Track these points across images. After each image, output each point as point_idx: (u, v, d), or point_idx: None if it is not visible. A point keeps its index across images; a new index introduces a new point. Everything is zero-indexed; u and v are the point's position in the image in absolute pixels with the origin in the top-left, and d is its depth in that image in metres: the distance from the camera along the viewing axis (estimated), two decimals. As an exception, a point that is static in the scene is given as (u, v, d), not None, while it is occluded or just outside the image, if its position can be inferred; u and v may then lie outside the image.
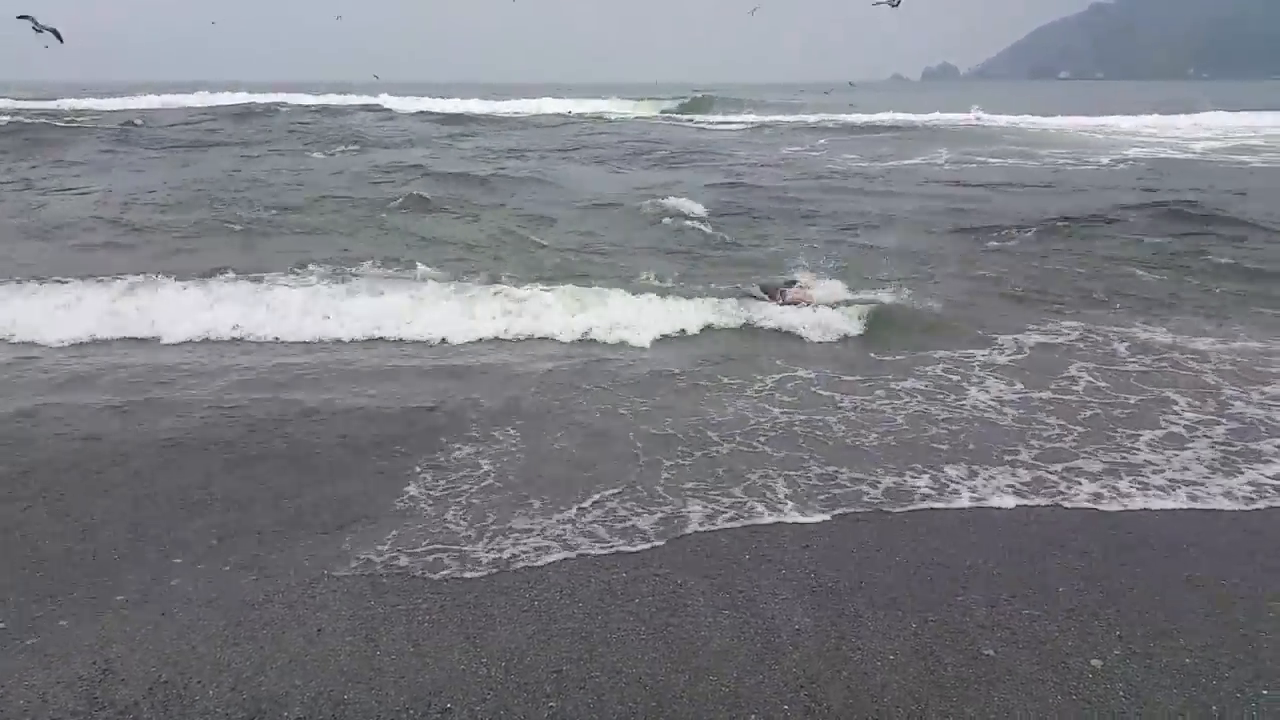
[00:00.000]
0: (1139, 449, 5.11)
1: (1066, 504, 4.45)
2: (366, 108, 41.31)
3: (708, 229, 12.23)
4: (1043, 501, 4.47)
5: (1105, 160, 22.13)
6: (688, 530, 4.15)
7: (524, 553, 3.94)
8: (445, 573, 3.77)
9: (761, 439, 5.20)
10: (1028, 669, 3.18)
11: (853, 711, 2.99)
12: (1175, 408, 5.69)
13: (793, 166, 21.34)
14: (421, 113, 40.02)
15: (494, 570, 3.80)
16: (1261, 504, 4.48)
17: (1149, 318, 7.88)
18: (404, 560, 3.87)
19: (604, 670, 3.18)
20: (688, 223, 12.59)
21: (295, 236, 11.55)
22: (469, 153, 23.25)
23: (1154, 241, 11.34)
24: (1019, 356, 6.75)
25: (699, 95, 57.45)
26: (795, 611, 3.52)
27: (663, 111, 51.12)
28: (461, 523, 4.20)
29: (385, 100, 46.61)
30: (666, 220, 12.73)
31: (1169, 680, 3.12)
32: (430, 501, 4.41)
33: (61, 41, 17.54)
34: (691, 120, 43.29)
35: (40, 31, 17.17)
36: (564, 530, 4.14)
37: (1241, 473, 4.81)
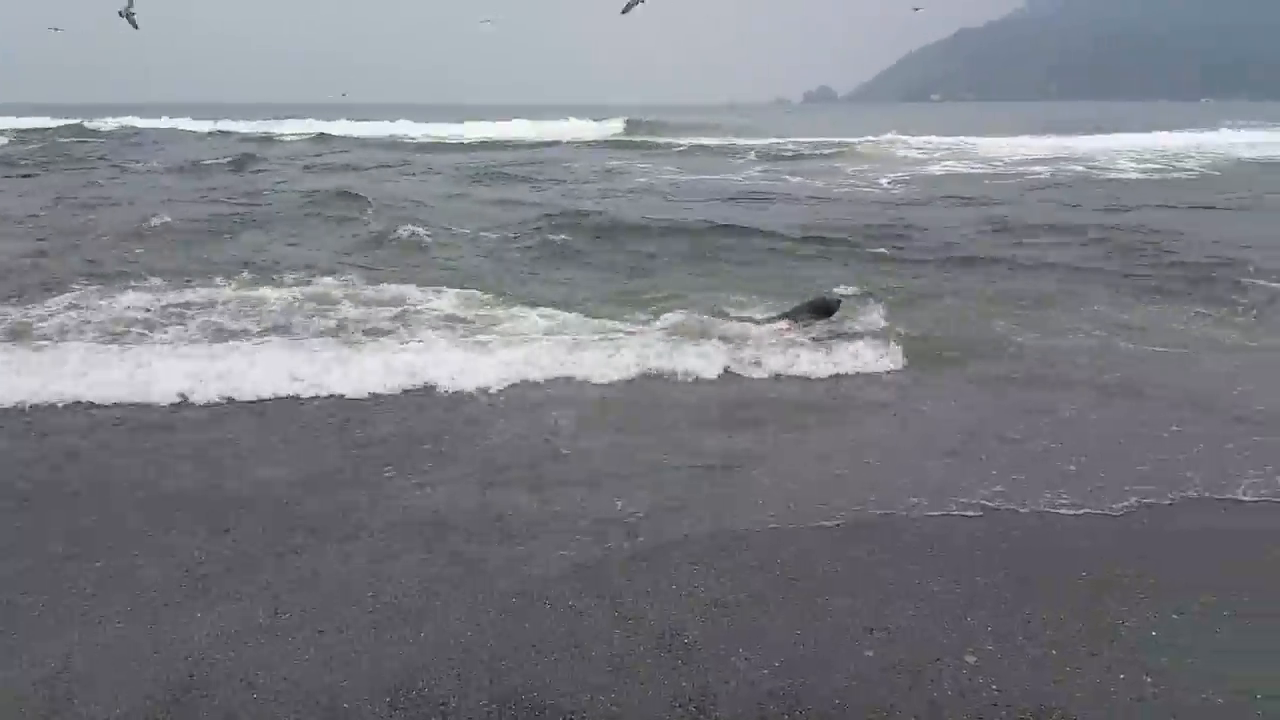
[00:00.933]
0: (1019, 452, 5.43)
1: (945, 510, 4.68)
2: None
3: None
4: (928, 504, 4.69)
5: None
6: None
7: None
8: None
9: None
10: (908, 667, 3.32)
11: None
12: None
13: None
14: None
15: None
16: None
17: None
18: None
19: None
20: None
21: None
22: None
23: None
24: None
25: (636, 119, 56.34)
26: (686, 624, 3.59)
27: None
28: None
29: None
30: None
31: (1034, 670, 3.30)
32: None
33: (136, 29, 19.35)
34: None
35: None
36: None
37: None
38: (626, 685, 3.23)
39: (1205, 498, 4.76)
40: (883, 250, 12.47)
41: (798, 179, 24.65)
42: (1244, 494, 4.79)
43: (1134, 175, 25.54)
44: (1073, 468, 5.14)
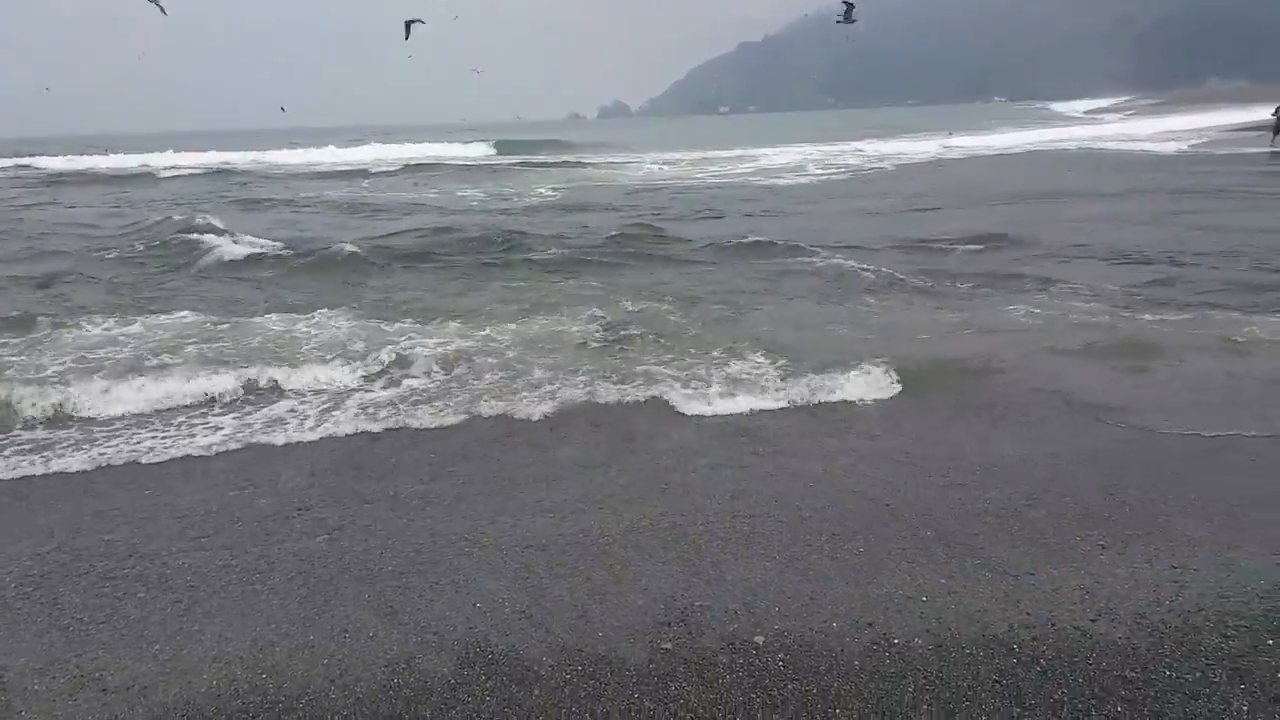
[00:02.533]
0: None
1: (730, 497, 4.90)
2: None
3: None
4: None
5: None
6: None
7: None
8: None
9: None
10: (707, 658, 3.43)
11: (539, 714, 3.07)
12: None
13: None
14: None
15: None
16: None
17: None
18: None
19: None
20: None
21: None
22: None
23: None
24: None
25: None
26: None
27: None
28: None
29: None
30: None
31: (820, 650, 3.50)
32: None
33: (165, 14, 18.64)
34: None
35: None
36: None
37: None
38: (422, 715, 3.17)
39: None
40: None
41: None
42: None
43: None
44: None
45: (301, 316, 9.32)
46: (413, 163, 41.83)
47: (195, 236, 15.29)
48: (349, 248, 13.65)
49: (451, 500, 4.98)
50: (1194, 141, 39.39)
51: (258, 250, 14.02)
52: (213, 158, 50.70)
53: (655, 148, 52.62)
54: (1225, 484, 4.88)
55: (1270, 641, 3.41)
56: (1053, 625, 3.54)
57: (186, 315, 9.37)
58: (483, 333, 8.52)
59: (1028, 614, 3.63)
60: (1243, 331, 7.87)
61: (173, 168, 43.46)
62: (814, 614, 3.70)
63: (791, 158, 38.37)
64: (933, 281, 10.72)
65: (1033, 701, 3.10)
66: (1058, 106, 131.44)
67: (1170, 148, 36.52)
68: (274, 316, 9.36)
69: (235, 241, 14.60)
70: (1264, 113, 35.24)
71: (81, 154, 53.60)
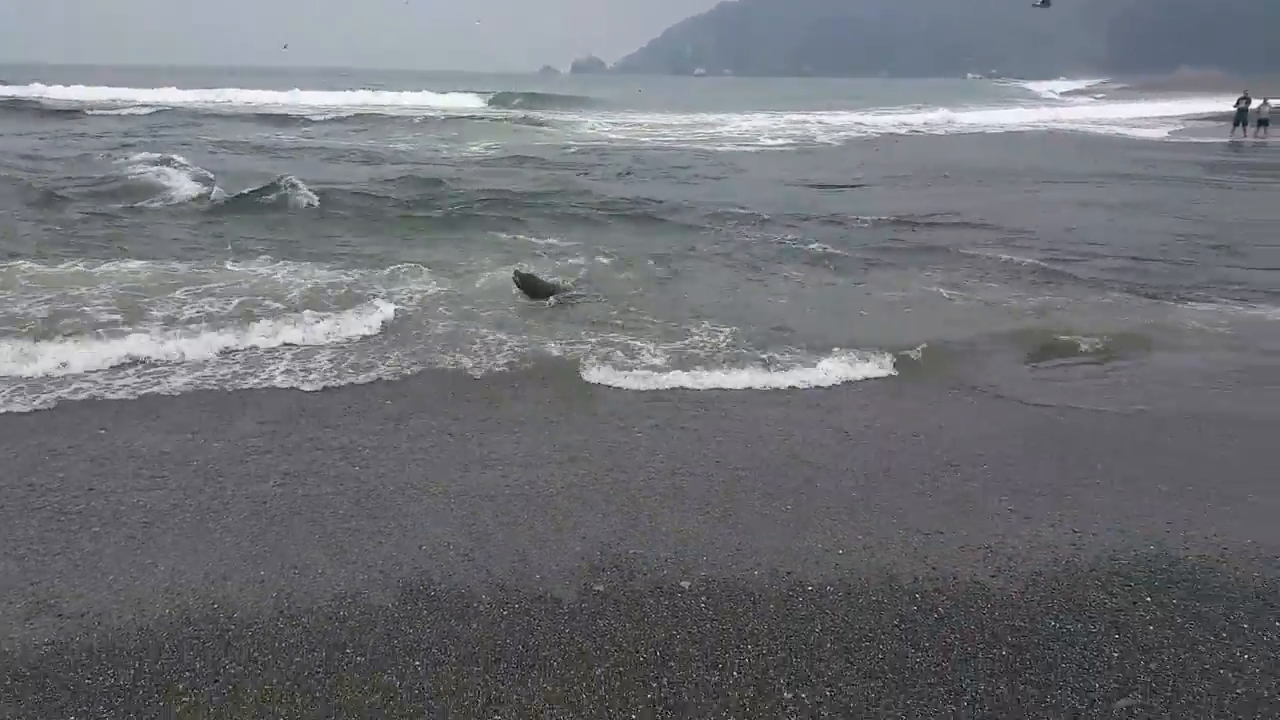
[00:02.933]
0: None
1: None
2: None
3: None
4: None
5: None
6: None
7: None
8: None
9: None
10: (635, 599, 3.71)
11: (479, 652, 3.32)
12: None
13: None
14: None
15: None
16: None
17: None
18: None
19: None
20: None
21: None
22: None
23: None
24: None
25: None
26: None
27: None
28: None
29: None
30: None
31: (740, 594, 3.79)
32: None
33: None
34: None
35: None
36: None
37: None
38: (366, 644, 3.41)
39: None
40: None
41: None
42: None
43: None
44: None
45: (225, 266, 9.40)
46: (365, 111, 41.68)
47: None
48: (302, 197, 13.70)
49: (403, 451, 5.19)
50: (1175, 129, 40.08)
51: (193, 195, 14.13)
52: (171, 95, 49.69)
53: (619, 108, 52.40)
54: (1129, 458, 5.24)
55: (1148, 598, 3.76)
56: (954, 579, 3.87)
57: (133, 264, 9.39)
58: (436, 287, 8.68)
59: (933, 568, 3.96)
60: (1166, 318, 8.30)
61: (124, 103, 42.52)
62: (738, 563, 3.99)
63: (750, 126, 38.22)
64: (850, 255, 11.05)
65: (926, 644, 3.41)
66: (1031, 85, 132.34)
67: (1155, 134, 37.15)
68: (230, 265, 9.42)
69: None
70: (1230, 103, 36.05)
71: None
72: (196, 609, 3.58)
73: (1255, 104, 34.23)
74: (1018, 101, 75.15)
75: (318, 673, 3.22)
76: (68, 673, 3.21)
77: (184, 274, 8.94)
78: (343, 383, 6.32)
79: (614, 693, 3.13)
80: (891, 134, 36.66)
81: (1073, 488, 4.82)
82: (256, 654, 3.31)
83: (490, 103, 54.89)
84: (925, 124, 42.75)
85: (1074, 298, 9.07)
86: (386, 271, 9.24)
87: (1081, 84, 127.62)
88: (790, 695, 3.12)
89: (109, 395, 5.99)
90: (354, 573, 3.87)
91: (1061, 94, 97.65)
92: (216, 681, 3.16)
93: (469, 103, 54.80)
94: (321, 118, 37.48)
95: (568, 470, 4.95)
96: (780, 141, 31.38)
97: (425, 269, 9.42)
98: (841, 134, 35.32)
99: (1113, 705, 3.11)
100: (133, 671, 3.21)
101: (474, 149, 26.05)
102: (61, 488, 4.62)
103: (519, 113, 45.47)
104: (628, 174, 20.23)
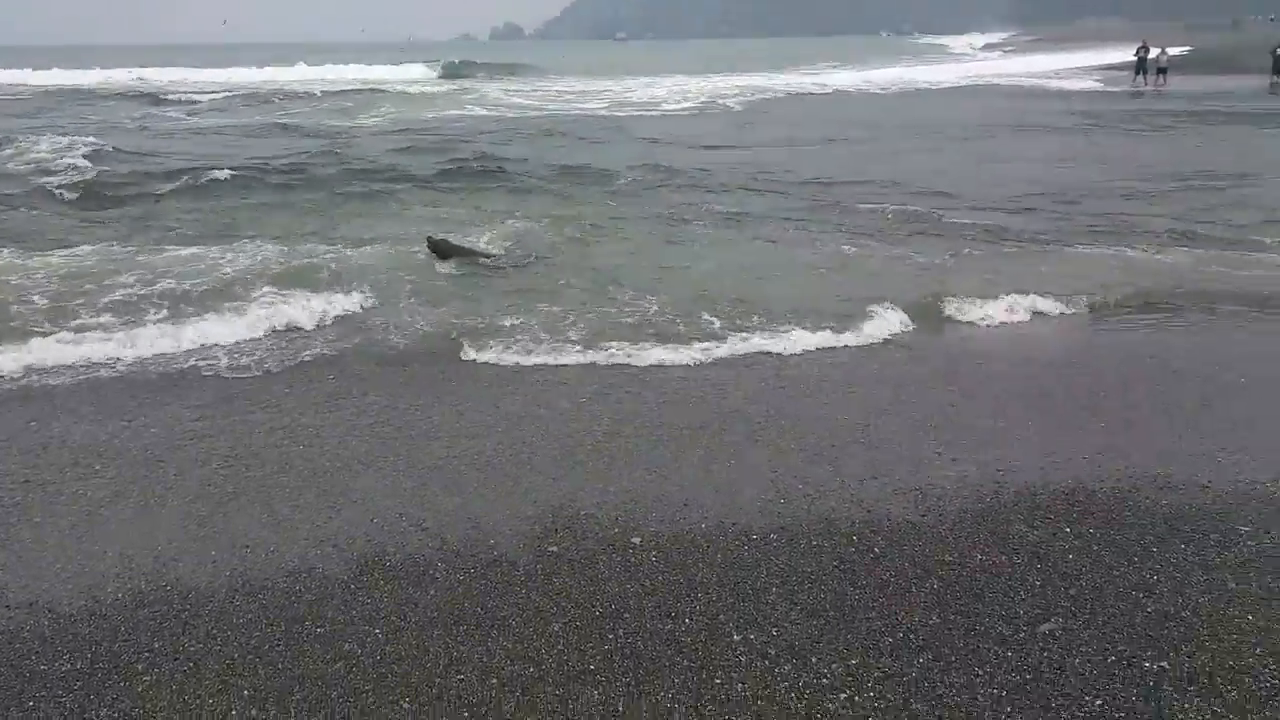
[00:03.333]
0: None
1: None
2: None
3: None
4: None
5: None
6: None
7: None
8: None
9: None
10: (588, 558, 3.84)
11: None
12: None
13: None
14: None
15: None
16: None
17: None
18: None
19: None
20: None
21: None
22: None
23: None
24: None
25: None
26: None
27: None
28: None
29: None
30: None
31: (688, 547, 3.96)
32: None
33: None
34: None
35: None
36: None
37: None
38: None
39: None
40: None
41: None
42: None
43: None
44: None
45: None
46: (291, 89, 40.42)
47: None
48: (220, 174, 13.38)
49: (346, 428, 5.22)
50: (1097, 78, 41.18)
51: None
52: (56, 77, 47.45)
53: (551, 74, 51.98)
54: (1046, 402, 5.56)
55: (1067, 529, 4.04)
56: (888, 520, 4.10)
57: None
58: (360, 262, 8.63)
59: (868, 512, 4.18)
60: (1072, 267, 8.72)
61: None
62: (685, 518, 4.16)
63: (659, 91, 37.73)
64: (761, 217, 11.29)
65: (864, 581, 3.63)
66: (947, 41, 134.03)
67: (1084, 85, 38.11)
68: (146, 253, 9.20)
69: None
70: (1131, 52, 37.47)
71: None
72: (150, 592, 3.60)
73: (1154, 53, 35.59)
74: (943, 58, 76.27)
75: (278, 645, 3.28)
76: (21, 660, 3.22)
77: (94, 263, 8.70)
78: (279, 365, 6.28)
79: (571, 646, 3.27)
80: (841, 92, 36.82)
81: (995, 432, 5.11)
82: (215, 631, 3.36)
83: (441, 76, 53.55)
84: (866, 83, 42.46)
85: (988, 250, 9.43)
86: (305, 249, 9.12)
87: (995, 38, 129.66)
88: (739, 637, 3.30)
89: (35, 386, 5.86)
90: (307, 549, 3.93)
91: (980, 49, 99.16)
92: (176, 659, 3.20)
93: (418, 73, 53.50)
94: (229, 94, 36.25)
95: (514, 438, 5.05)
96: (687, 106, 31.17)
97: (345, 245, 9.35)
98: (765, 95, 35.51)
99: (1036, 629, 3.36)
100: (90, 655, 3.23)
101: (373, 120, 25.50)
102: (-5, 481, 4.55)
103: (447, 85, 44.50)
104: (547, 135, 20.28)
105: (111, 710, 2.97)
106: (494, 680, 3.09)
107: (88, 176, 13.79)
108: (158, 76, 49.36)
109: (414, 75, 52.14)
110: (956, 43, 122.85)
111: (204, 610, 3.49)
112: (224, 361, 6.31)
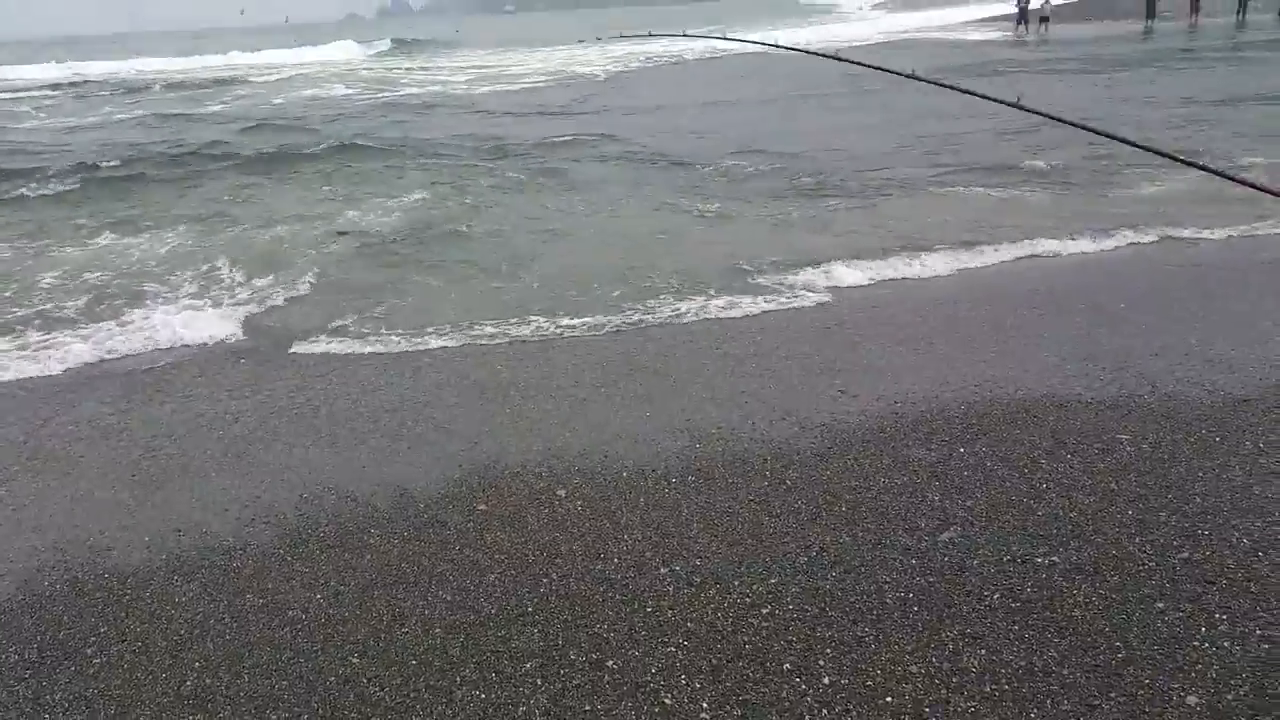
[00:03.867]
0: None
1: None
2: None
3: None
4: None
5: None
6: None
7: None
8: None
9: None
10: (516, 512, 4.04)
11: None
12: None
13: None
14: None
15: None
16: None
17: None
18: None
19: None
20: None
21: None
22: None
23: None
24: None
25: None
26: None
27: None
28: None
29: None
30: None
31: (611, 493, 4.20)
32: None
33: None
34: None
35: None
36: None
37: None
38: (265, 588, 3.61)
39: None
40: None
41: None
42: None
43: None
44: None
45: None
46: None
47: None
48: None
49: (265, 410, 5.28)
50: (1001, 29, 42.45)
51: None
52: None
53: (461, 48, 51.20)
54: (936, 336, 5.97)
55: (961, 450, 4.41)
56: (797, 455, 4.41)
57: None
58: (268, 245, 8.57)
59: (779, 448, 4.48)
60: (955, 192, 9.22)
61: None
62: (607, 468, 4.39)
63: (527, 66, 37.31)
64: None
65: (778, 510, 3.93)
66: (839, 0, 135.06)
67: (992, 35, 39.37)
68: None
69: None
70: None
71: None
72: (88, 580, 3.66)
73: (1036, 3, 37.12)
74: (844, 17, 77.01)
75: (223, 618, 3.40)
76: (-38, 658, 3.26)
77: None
78: (188, 352, 6.26)
79: (508, 593, 3.47)
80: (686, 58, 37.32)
81: (890, 367, 5.48)
82: (159, 611, 3.45)
83: (383, 53, 52.31)
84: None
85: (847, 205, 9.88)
86: (221, 235, 9.01)
87: None
88: (665, 570, 3.56)
89: (-68, 396, 5.73)
90: (239, 527, 4.03)
91: (873, 7, 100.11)
92: (124, 641, 3.29)
93: (351, 54, 52.12)
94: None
95: (434, 406, 5.19)
96: (541, 78, 31.24)
97: (246, 226, 9.26)
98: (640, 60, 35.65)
99: (937, 538, 3.70)
100: (36, 645, 3.30)
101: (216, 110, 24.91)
102: (-96, 491, 4.49)
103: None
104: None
105: (66, 693, 3.06)
106: (438, 629, 3.28)
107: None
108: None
109: (349, 55, 51.01)
110: (849, 3, 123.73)
111: (144, 593, 3.57)
112: (127, 352, 6.25)
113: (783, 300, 6.83)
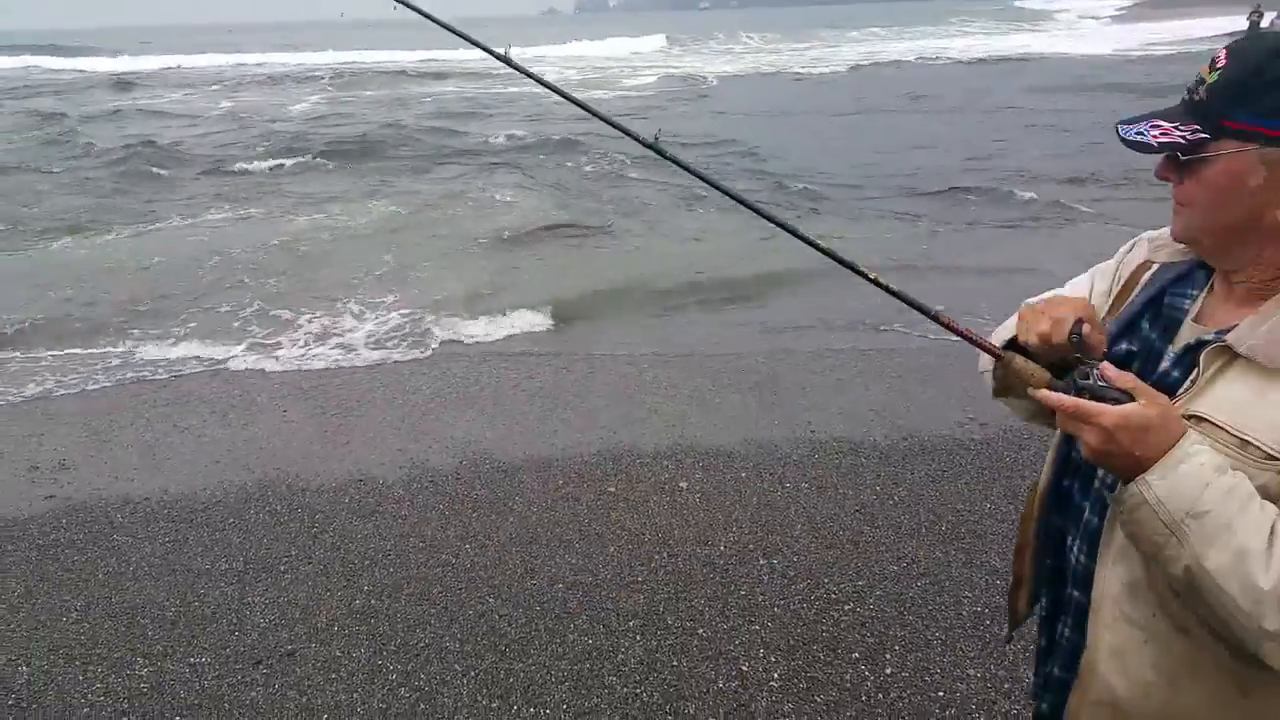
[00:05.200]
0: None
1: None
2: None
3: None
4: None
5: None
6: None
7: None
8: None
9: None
10: (641, 497, 4.63)
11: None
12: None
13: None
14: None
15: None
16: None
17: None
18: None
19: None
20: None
21: None
22: None
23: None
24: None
25: None
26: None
27: None
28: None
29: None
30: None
31: (728, 490, 4.71)
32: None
33: None
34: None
35: None
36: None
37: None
38: (424, 536, 4.38)
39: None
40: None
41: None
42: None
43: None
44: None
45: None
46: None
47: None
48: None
49: (438, 388, 6.12)
50: None
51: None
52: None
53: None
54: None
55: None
56: (909, 475, 4.77)
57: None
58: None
59: (894, 467, 4.85)
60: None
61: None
62: (729, 468, 4.91)
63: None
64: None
65: (880, 523, 4.32)
66: (1053, 5, 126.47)
67: None
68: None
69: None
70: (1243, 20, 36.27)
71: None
72: (284, 513, 4.55)
73: (1267, 20, 34.35)
74: (1072, 26, 72.71)
75: (390, 555, 4.17)
76: (190, 561, 4.18)
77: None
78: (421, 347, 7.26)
79: (624, 564, 4.06)
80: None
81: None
82: (339, 542, 4.28)
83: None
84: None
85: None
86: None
87: (1112, 4, 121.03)
88: (764, 562, 4.04)
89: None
90: (409, 482, 4.82)
91: (1113, 15, 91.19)
92: (310, 563, 4.13)
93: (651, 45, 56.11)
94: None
95: (584, 398, 5.87)
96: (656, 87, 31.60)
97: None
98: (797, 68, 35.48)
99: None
100: (242, 559, 4.19)
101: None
102: None
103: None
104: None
105: (263, 598, 3.90)
106: (560, 585, 3.91)
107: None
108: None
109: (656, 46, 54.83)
110: (1066, 7, 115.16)
111: (329, 528, 4.41)
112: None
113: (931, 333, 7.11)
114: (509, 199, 12.43)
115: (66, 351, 7.04)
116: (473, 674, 3.39)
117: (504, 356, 6.73)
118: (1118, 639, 1.38)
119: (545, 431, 5.42)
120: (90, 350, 7.06)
